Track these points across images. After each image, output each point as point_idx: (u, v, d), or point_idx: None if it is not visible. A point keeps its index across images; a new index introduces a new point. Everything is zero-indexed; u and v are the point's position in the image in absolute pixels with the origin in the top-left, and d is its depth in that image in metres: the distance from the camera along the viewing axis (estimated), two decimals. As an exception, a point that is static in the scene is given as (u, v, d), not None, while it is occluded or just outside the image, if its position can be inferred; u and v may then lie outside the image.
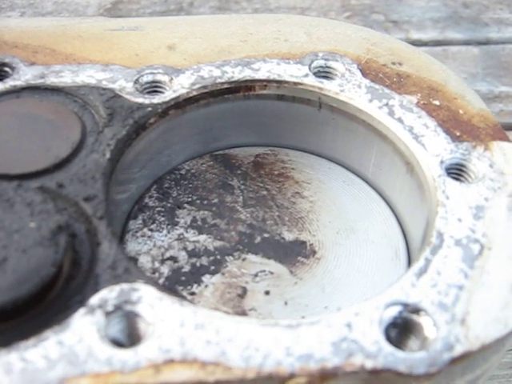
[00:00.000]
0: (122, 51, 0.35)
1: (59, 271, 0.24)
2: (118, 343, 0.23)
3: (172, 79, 0.33)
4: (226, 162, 0.34)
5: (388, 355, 0.23)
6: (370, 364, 0.22)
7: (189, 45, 0.36)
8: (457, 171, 0.29)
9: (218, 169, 0.34)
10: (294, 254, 0.30)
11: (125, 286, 0.24)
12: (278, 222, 0.31)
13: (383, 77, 0.34)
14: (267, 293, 0.28)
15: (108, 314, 0.23)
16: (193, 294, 0.28)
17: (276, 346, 0.23)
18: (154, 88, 0.33)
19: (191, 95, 0.32)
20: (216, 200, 0.32)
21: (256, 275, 0.29)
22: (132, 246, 0.29)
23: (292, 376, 0.22)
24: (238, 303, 0.27)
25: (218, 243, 0.30)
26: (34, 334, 0.23)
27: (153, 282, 0.24)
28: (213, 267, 0.29)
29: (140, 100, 0.32)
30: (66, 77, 0.33)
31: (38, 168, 0.28)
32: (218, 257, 0.29)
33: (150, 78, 0.33)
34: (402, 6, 1.10)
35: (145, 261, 0.29)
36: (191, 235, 0.30)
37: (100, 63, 0.34)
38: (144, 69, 0.33)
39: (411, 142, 0.30)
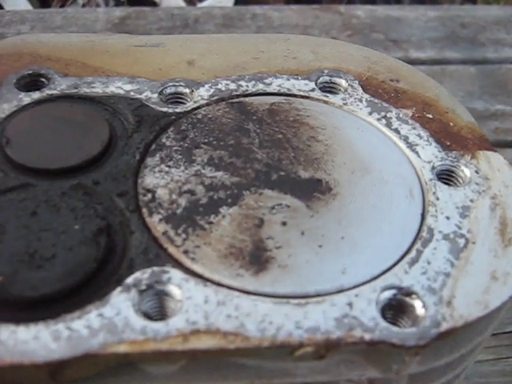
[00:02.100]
0: (146, 65, 0.39)
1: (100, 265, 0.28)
2: (149, 317, 0.27)
3: (193, 91, 0.37)
4: (241, 109, 0.36)
5: (383, 329, 0.27)
6: (368, 336, 0.26)
7: (207, 61, 0.40)
8: (446, 176, 0.34)
9: (233, 114, 0.36)
10: (310, 190, 0.32)
11: (156, 268, 0.28)
12: (294, 162, 0.33)
13: (382, 92, 0.39)
14: (284, 224, 0.30)
15: (141, 292, 0.27)
16: (210, 223, 0.30)
17: (287, 320, 0.27)
18: (176, 99, 0.37)
19: (210, 104, 0.37)
20: (232, 141, 0.34)
21: (273, 208, 0.31)
22: (150, 180, 0.32)
23: (301, 345, 0.26)
24: (254, 232, 0.30)
25: (234, 179, 0.32)
26: (78, 308, 0.27)
27: (180, 266, 0.28)
28: (230, 200, 0.31)
29: (164, 109, 0.36)
30: (97, 87, 0.37)
31: (73, 163, 0.32)
32: (235, 191, 0.31)
33: (172, 89, 0.37)
34: (402, 26, 1.16)
35: (162, 193, 0.31)
36: (208, 171, 0.32)
37: (127, 76, 0.38)
38: (167, 81, 0.38)
39: (406, 150, 0.35)
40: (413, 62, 1.06)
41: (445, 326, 0.27)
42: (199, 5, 1.51)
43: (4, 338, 0.26)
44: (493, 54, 1.09)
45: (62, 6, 1.43)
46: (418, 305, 0.28)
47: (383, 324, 0.27)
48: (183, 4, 1.52)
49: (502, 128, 0.96)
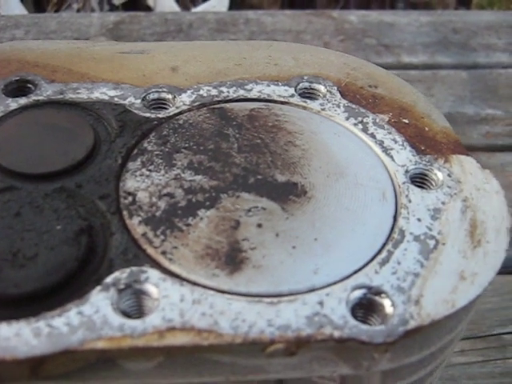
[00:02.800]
0: (130, 72, 0.41)
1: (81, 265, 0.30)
2: (127, 315, 0.28)
3: (175, 97, 0.38)
4: (222, 115, 0.38)
5: (353, 327, 0.28)
6: (337, 334, 0.28)
7: (190, 67, 0.41)
8: (419, 179, 0.35)
9: (214, 120, 0.37)
10: (286, 193, 0.33)
11: (134, 268, 0.29)
12: (271, 166, 0.34)
13: (360, 98, 0.40)
14: (259, 226, 0.32)
15: (120, 290, 0.29)
16: (188, 225, 0.31)
17: (260, 318, 0.28)
18: (159, 104, 0.38)
19: (191, 109, 0.38)
20: (212, 146, 0.35)
21: (249, 210, 0.32)
22: (131, 184, 0.33)
23: (272, 342, 0.27)
24: (231, 234, 0.31)
25: (213, 183, 0.33)
26: (59, 306, 0.28)
27: (158, 266, 0.30)
28: (208, 203, 0.32)
29: (147, 114, 0.37)
30: (83, 93, 0.38)
31: (58, 168, 0.33)
32: (213, 194, 0.33)
33: (155, 95, 0.38)
34: (394, 31, 1.17)
35: (143, 196, 0.32)
36: (188, 175, 0.33)
37: (112, 82, 0.39)
38: (150, 87, 0.39)
39: (381, 155, 0.36)
40: (405, 67, 1.07)
41: (412, 324, 0.28)
42: (193, 10, 1.53)
43: (-14, 335, 0.27)
44: (484, 58, 1.10)
45: (57, 10, 1.44)
46: (386, 303, 0.29)
47: (352, 322, 0.28)
48: (177, 9, 1.53)
49: (493, 132, 0.97)
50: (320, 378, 0.30)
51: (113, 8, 1.52)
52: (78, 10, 1.47)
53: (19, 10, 1.35)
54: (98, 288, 0.29)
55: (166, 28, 1.10)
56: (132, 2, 1.49)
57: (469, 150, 1.04)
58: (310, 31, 1.14)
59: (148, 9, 1.51)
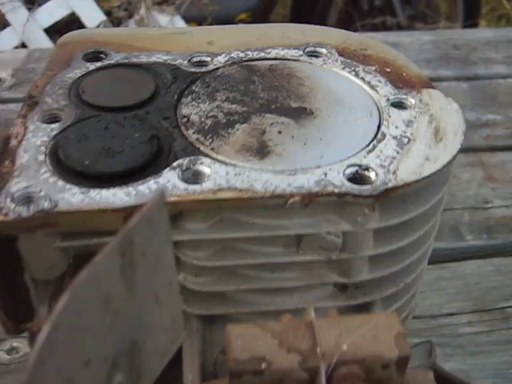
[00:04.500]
0: (177, 45, 0.56)
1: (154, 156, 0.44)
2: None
3: (213, 59, 0.54)
4: (248, 68, 0.54)
5: (348, 187, 0.42)
6: (337, 190, 0.42)
7: (222, 41, 0.57)
8: (397, 104, 0.49)
9: (243, 72, 0.53)
10: (298, 114, 0.48)
11: (192, 157, 0.44)
12: (287, 98, 0.50)
13: (353, 56, 0.55)
14: (279, 132, 0.47)
15: (183, 170, 0.43)
16: (229, 133, 0.47)
17: (282, 182, 0.42)
18: (201, 64, 0.53)
19: (226, 66, 0.53)
20: (242, 87, 0.51)
21: (272, 124, 0.47)
22: (185, 111, 0.49)
23: (291, 195, 0.41)
24: (259, 137, 0.46)
25: (245, 109, 0.49)
26: (142, 179, 0.42)
27: (209, 157, 0.44)
28: (242, 120, 0.48)
29: (193, 69, 0.53)
30: (143, 58, 0.54)
31: (131, 103, 0.49)
32: (245, 115, 0.48)
33: (198, 58, 0.54)
34: (397, 48, 1.33)
35: (194, 118, 0.48)
36: (226, 105, 0.49)
37: (164, 51, 0.55)
38: (194, 53, 0.54)
39: (368, 90, 0.51)
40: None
41: (390, 185, 0.42)
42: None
43: (93, 195, 0.41)
44: (484, 70, 1.25)
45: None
46: (372, 175, 0.43)
47: (348, 184, 0.42)
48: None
49: (493, 135, 1.11)
50: (328, 233, 0.44)
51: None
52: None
53: (47, 43, 1.54)
54: (168, 169, 0.43)
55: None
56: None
57: (471, 150, 1.19)
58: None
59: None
